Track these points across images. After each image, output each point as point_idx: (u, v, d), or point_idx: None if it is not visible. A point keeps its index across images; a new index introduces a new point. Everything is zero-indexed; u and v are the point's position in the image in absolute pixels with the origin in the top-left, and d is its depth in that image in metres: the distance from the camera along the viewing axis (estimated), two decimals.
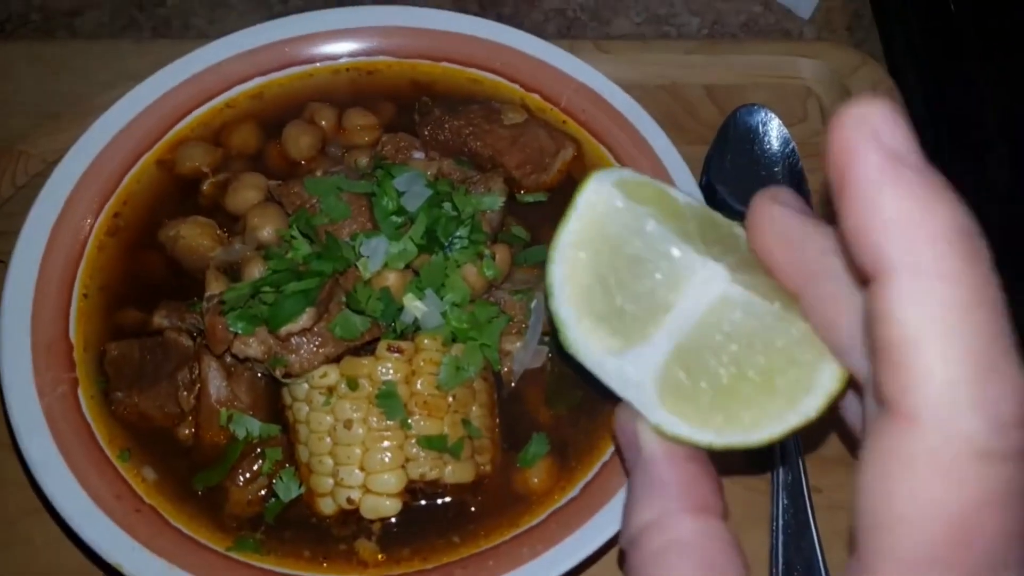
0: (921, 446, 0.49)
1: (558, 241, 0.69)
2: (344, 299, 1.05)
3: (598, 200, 0.68)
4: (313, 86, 1.34)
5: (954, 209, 0.50)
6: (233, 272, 1.13)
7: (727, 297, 0.64)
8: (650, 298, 0.67)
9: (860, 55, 1.62)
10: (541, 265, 1.20)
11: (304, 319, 0.99)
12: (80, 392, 1.08)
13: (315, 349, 1.02)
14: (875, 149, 0.51)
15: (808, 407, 0.63)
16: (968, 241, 0.50)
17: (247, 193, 1.18)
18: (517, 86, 1.33)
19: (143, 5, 1.72)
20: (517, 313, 1.12)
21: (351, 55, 1.34)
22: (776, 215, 0.62)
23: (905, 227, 0.50)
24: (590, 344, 0.69)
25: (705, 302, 0.65)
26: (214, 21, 1.71)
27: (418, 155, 1.19)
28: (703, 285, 0.65)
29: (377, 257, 1.06)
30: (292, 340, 1.01)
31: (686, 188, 1.21)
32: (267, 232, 1.13)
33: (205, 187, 1.23)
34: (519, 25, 1.74)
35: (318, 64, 1.34)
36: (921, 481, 0.50)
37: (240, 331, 1.01)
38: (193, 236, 1.14)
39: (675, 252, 0.66)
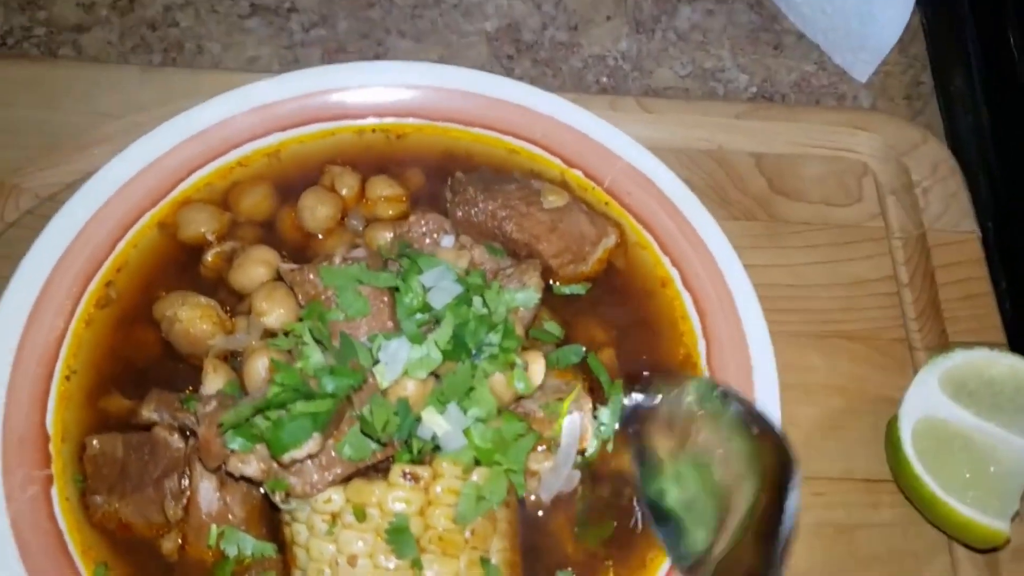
0: None
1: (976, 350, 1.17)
2: (356, 414, 0.92)
3: (994, 354, 1.16)
4: (335, 146, 1.22)
5: None
6: (235, 361, 1.02)
7: None
8: (991, 395, 1.14)
9: (921, 131, 1.52)
10: (574, 368, 1.08)
11: (310, 444, 0.87)
12: (54, 492, 0.97)
13: (320, 472, 0.90)
14: None
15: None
16: None
17: (255, 270, 1.07)
18: (558, 160, 1.22)
19: (155, 25, 1.60)
20: (546, 429, 1.00)
21: (378, 114, 1.22)
22: None
23: None
24: (938, 393, 1.13)
25: None
26: (229, 47, 1.59)
27: (447, 240, 1.07)
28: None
29: (396, 364, 0.94)
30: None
31: (744, 294, 1.11)
32: (274, 319, 1.01)
33: (209, 257, 1.12)
34: (557, 71, 1.63)
35: (342, 122, 1.22)
36: None
37: (237, 448, 0.89)
38: (192, 320, 1.03)
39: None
